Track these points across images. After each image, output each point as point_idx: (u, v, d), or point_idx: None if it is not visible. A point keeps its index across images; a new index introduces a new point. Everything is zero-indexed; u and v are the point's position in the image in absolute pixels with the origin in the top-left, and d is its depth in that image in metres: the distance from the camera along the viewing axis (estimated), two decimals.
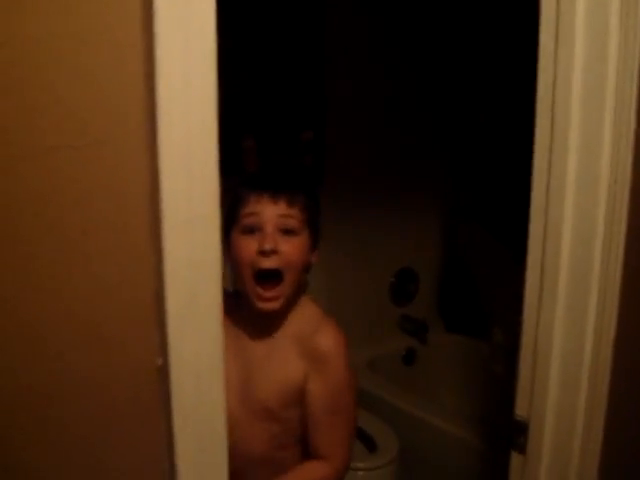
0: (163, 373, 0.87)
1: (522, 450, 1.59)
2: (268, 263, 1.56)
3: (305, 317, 1.70)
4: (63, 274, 0.81)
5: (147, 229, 0.84)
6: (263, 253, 1.55)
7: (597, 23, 1.33)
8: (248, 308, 1.63)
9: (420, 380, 3.35)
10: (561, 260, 1.45)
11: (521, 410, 1.59)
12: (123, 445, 0.89)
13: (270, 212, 1.57)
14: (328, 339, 1.65)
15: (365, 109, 3.30)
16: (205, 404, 0.90)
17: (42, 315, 0.81)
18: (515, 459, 1.62)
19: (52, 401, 0.84)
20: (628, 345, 1.48)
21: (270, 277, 1.58)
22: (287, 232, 1.59)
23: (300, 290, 1.70)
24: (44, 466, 0.86)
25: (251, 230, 1.59)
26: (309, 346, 1.64)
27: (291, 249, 1.58)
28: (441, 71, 3.31)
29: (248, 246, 1.58)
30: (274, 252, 1.55)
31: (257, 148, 3.16)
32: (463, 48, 3.25)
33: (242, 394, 1.69)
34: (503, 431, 1.79)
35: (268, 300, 1.59)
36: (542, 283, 1.50)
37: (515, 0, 2.77)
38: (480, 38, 3.16)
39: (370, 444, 2.60)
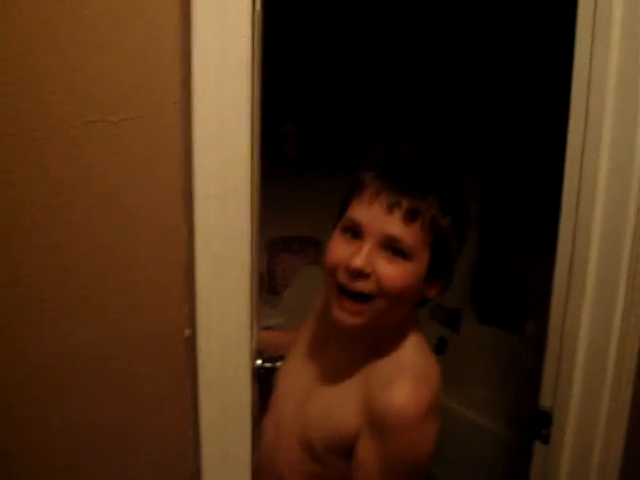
0: (191, 343, 0.90)
1: (545, 440, 1.60)
2: (352, 286, 1.24)
3: (395, 361, 1.31)
4: (98, 242, 0.84)
5: (180, 202, 0.87)
6: (349, 270, 1.23)
7: (633, 20, 1.33)
8: (333, 323, 1.31)
9: (451, 370, 3.35)
10: (590, 254, 1.45)
11: (545, 401, 1.60)
12: (150, 411, 0.92)
13: (378, 223, 1.23)
14: (392, 401, 1.22)
15: (405, 99, 3.31)
16: (230, 376, 0.93)
17: (76, 281, 0.85)
18: (538, 449, 1.63)
19: (78, 372, 0.87)
20: None
21: (355, 297, 1.26)
22: (395, 252, 1.24)
23: (403, 329, 1.34)
24: (71, 433, 0.89)
25: (353, 232, 1.27)
26: (371, 401, 1.26)
27: (391, 273, 1.23)
28: (478, 71, 3.31)
29: (340, 250, 1.27)
30: (362, 275, 1.22)
31: (296, 134, 3.19)
32: (498, 44, 3.24)
33: (296, 413, 1.43)
34: (530, 422, 1.79)
35: (347, 311, 1.26)
36: (570, 277, 1.50)
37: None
38: (511, 42, 3.14)
39: None
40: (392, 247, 1.24)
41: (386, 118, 3.35)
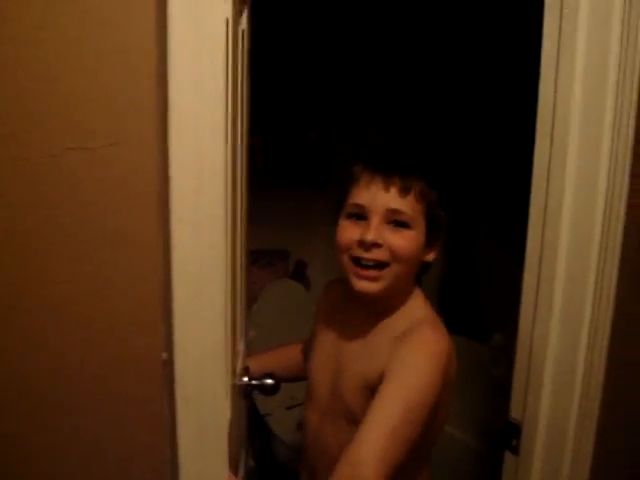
0: (168, 367, 0.91)
1: (515, 451, 1.62)
2: (368, 255, 1.43)
3: (406, 317, 1.51)
4: (73, 270, 0.85)
5: (156, 228, 0.87)
6: (363, 244, 1.42)
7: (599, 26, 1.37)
8: (352, 297, 1.52)
9: None
10: (557, 268, 1.48)
11: (515, 413, 1.62)
12: (127, 433, 0.93)
13: (379, 201, 1.43)
14: (415, 344, 1.42)
15: (372, 110, 3.33)
16: (207, 396, 0.94)
17: (49, 309, 0.85)
18: (509, 460, 1.66)
19: (59, 392, 0.88)
20: (621, 352, 1.51)
21: (372, 266, 1.44)
22: (398, 224, 1.44)
23: (409, 289, 1.55)
24: (52, 454, 0.89)
25: (358, 216, 1.46)
26: (400, 346, 1.42)
27: (400, 241, 1.43)
28: (445, 74, 3.34)
29: (350, 232, 1.46)
30: (376, 245, 1.42)
31: (263, 146, 3.20)
32: (467, 53, 3.28)
33: (332, 389, 1.59)
34: (499, 433, 1.82)
35: (366, 280, 1.44)
36: (538, 289, 1.53)
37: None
38: (481, 43, 3.18)
39: None
40: (395, 220, 1.43)
41: (353, 131, 3.37)
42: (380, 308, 1.53)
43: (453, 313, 3.56)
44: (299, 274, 3.55)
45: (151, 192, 0.86)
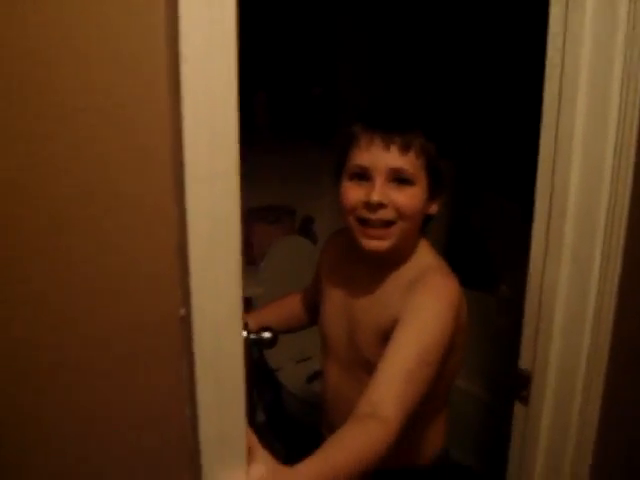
0: (186, 323, 0.92)
1: (525, 401, 1.65)
2: (375, 216, 1.46)
3: (414, 266, 1.56)
4: (91, 229, 0.85)
5: (171, 185, 0.87)
6: (368, 206, 1.45)
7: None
8: (360, 252, 1.53)
9: None
10: (567, 216, 1.49)
11: (525, 363, 1.64)
12: (148, 390, 0.94)
13: (381, 161, 1.44)
14: (430, 286, 1.47)
15: (377, 66, 3.31)
16: (225, 351, 0.95)
17: (64, 270, 0.86)
18: (518, 410, 1.68)
19: (76, 352, 0.89)
20: (631, 300, 1.52)
21: (379, 224, 1.47)
22: (400, 181, 1.46)
23: (416, 241, 1.59)
24: (70, 419, 0.91)
25: (360, 176, 1.48)
26: (411, 292, 1.47)
27: (403, 199, 1.45)
28: (452, 27, 3.31)
29: (354, 193, 1.48)
30: (381, 205, 1.44)
31: (267, 103, 3.18)
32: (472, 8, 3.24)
33: (348, 341, 1.64)
34: (507, 383, 1.84)
35: (374, 238, 1.47)
36: (548, 239, 1.54)
37: None
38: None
39: None
40: (397, 178, 1.45)
41: (357, 85, 3.35)
42: (388, 261, 1.57)
43: (460, 264, 3.58)
44: (306, 230, 3.56)
45: (164, 149, 0.86)
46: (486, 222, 3.44)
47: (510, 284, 3.16)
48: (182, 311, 0.92)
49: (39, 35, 0.77)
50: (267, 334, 1.67)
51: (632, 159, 1.42)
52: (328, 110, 3.36)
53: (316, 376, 3.10)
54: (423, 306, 1.44)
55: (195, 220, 0.88)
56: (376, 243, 1.48)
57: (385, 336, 1.44)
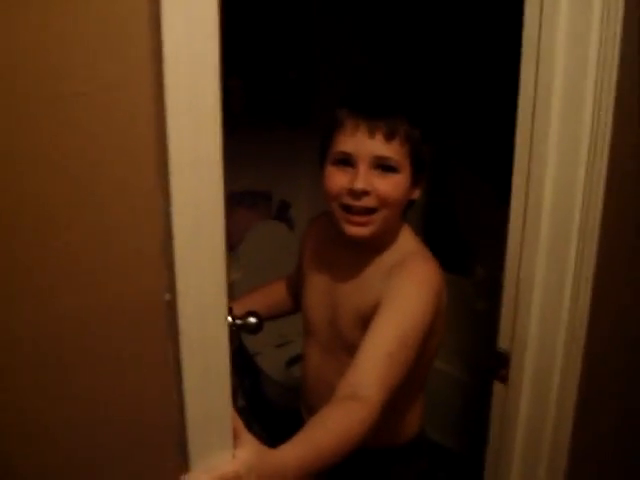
0: (171, 308, 0.92)
1: (504, 380, 1.67)
2: (358, 203, 1.45)
3: (396, 251, 1.56)
4: (75, 215, 0.85)
5: (155, 171, 0.87)
6: (352, 192, 1.44)
7: None
8: (342, 237, 1.52)
9: None
10: (544, 197, 1.51)
11: (503, 342, 1.66)
12: (134, 375, 0.94)
13: (365, 149, 1.44)
14: (406, 273, 1.48)
15: (353, 48, 3.30)
16: (210, 336, 0.95)
17: (51, 256, 0.85)
18: (498, 389, 1.70)
19: (65, 334, 0.89)
20: (607, 280, 1.55)
21: (362, 211, 1.47)
22: (384, 169, 1.45)
23: (398, 226, 1.59)
24: (54, 402, 0.91)
25: (344, 162, 1.47)
26: (392, 276, 1.48)
27: (387, 188, 1.45)
28: (428, 10, 3.31)
29: (338, 180, 1.47)
30: (365, 193, 1.44)
31: (243, 87, 3.17)
32: None
33: (330, 325, 1.65)
34: (485, 364, 1.86)
35: (356, 224, 1.47)
36: (525, 220, 1.56)
37: None
38: None
39: None
40: (381, 165, 1.45)
41: (333, 68, 3.34)
42: (371, 246, 1.57)
43: (436, 247, 3.60)
44: (282, 214, 3.56)
45: (148, 136, 0.86)
46: (461, 204, 3.46)
47: (486, 266, 3.19)
48: (167, 296, 0.92)
49: (20, 20, 0.77)
50: (253, 319, 1.67)
51: (607, 144, 1.44)
52: (304, 94, 3.36)
53: (295, 360, 3.11)
54: (403, 290, 1.45)
55: (180, 206, 0.88)
56: (359, 229, 1.48)
57: (366, 320, 1.45)
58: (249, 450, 1.05)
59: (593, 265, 1.51)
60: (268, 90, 3.26)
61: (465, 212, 3.44)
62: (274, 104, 3.30)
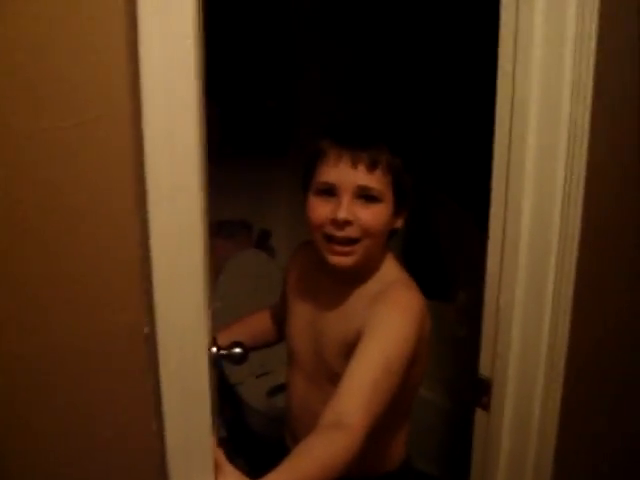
0: (150, 340, 0.91)
1: (486, 407, 1.67)
2: (341, 234, 1.46)
3: (379, 280, 1.57)
4: (50, 250, 0.85)
5: (133, 200, 0.88)
6: (335, 222, 1.45)
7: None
8: (325, 266, 1.53)
9: None
10: (522, 225, 1.51)
11: (484, 370, 1.66)
12: (114, 407, 0.94)
13: (348, 179, 1.45)
14: (389, 302, 1.48)
15: (333, 78, 3.32)
16: (190, 367, 0.95)
17: (30, 292, 0.85)
18: (480, 416, 1.70)
19: (44, 367, 0.88)
20: (586, 306, 1.55)
21: (345, 242, 1.48)
22: (367, 199, 1.46)
23: (381, 255, 1.60)
24: (39, 429, 0.90)
25: (327, 192, 1.48)
26: (374, 304, 1.48)
27: (370, 217, 1.47)
28: (404, 41, 3.34)
29: (321, 210, 1.48)
30: (348, 223, 1.45)
31: (220, 114, 3.17)
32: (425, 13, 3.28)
33: (314, 353, 1.64)
34: (467, 390, 1.86)
35: (339, 254, 1.48)
36: (504, 248, 1.56)
37: None
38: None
39: None
40: (364, 195, 1.46)
41: (312, 97, 3.36)
42: (354, 275, 1.57)
43: (417, 274, 3.60)
44: (263, 243, 3.55)
45: (126, 169, 0.87)
46: (442, 231, 3.48)
47: (468, 292, 3.19)
48: (146, 329, 0.92)
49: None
50: (238, 350, 1.66)
51: (584, 165, 1.45)
52: (283, 122, 3.37)
53: (276, 390, 3.09)
54: (386, 318, 1.45)
55: (158, 236, 0.88)
56: (341, 259, 1.48)
57: (350, 349, 1.44)
58: None
59: (571, 292, 1.51)
60: (246, 119, 3.27)
61: (446, 238, 3.45)
62: (252, 133, 3.31)
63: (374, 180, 1.46)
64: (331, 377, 1.55)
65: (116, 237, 0.88)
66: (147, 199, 0.86)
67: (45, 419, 0.90)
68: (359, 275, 1.57)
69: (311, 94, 3.36)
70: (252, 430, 3.16)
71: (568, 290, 1.51)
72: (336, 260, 1.49)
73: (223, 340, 1.70)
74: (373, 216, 1.47)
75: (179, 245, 0.90)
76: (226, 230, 3.34)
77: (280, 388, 3.07)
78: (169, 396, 0.94)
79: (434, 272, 3.47)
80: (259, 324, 1.99)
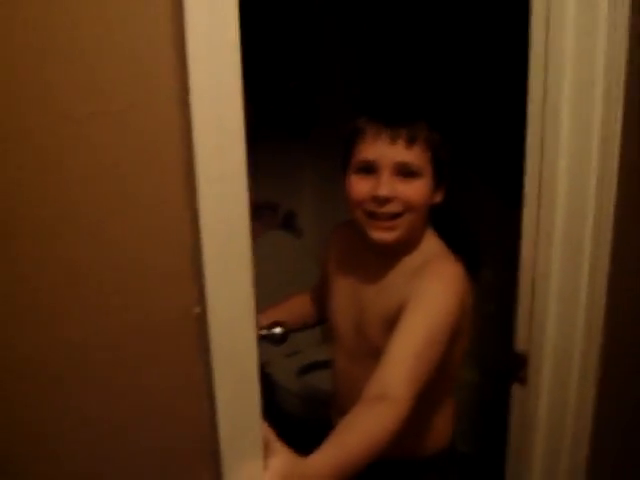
0: (201, 321, 0.93)
1: (523, 382, 1.68)
2: (383, 209, 1.47)
3: (420, 254, 1.57)
4: (103, 232, 0.86)
5: (183, 187, 0.89)
6: (376, 199, 1.46)
7: None
8: (367, 241, 1.55)
9: None
10: (557, 198, 1.52)
11: (521, 344, 1.67)
12: (165, 389, 0.95)
13: (387, 156, 1.46)
14: (435, 271, 1.50)
15: (357, 56, 3.30)
16: (239, 349, 0.97)
17: (86, 272, 0.86)
18: (516, 391, 1.71)
19: (95, 351, 0.90)
20: (622, 278, 1.55)
21: (387, 217, 1.49)
22: (407, 174, 1.47)
23: (422, 230, 1.60)
24: (89, 419, 0.92)
25: (366, 170, 1.49)
26: (417, 278, 1.49)
27: (410, 192, 1.47)
28: (431, 17, 3.31)
29: (361, 187, 1.49)
30: (389, 199, 1.46)
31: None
32: None
33: (356, 330, 1.66)
34: (498, 367, 1.86)
35: (382, 229, 1.49)
36: (538, 223, 1.56)
37: None
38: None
39: None
40: (404, 171, 1.47)
41: (334, 77, 3.35)
42: (396, 250, 1.58)
43: None
44: (289, 224, 3.56)
45: (175, 153, 0.87)
46: (466, 208, 3.47)
47: (493, 269, 3.18)
48: (197, 309, 0.93)
49: (44, 37, 0.78)
50: (278, 330, 1.68)
51: (618, 144, 1.45)
52: (305, 103, 3.37)
53: (307, 369, 3.11)
54: (428, 291, 1.45)
55: (208, 221, 0.89)
56: (384, 234, 1.49)
57: (392, 323, 1.46)
58: (281, 459, 1.06)
59: (608, 262, 1.52)
60: (269, 100, 3.27)
61: (471, 215, 3.44)
62: (275, 114, 3.31)
63: (413, 155, 1.46)
64: (373, 353, 1.55)
65: (168, 220, 0.89)
66: (197, 184, 0.87)
67: (97, 406, 0.92)
68: (401, 250, 1.58)
69: (332, 73, 3.35)
70: (284, 410, 3.18)
71: (604, 263, 1.52)
72: (379, 235, 1.50)
73: (263, 319, 1.72)
74: (414, 191, 1.48)
75: (228, 228, 0.92)
76: (252, 212, 3.35)
77: (311, 367, 3.09)
78: (220, 378, 0.95)
79: (460, 249, 3.46)
80: (299, 306, 2.00)
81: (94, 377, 0.90)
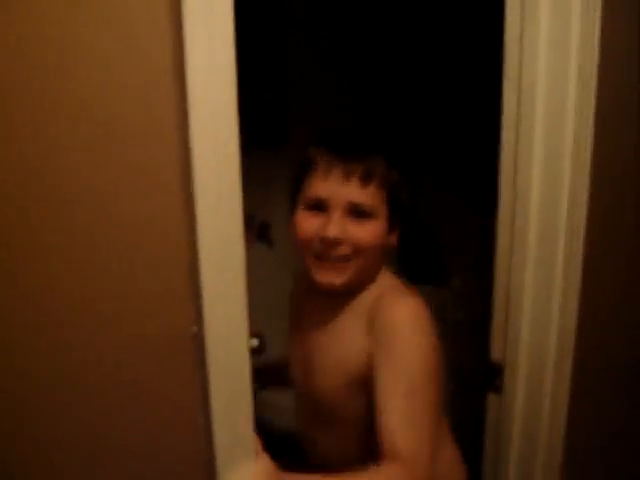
0: (198, 339, 0.96)
1: (498, 390, 1.71)
2: (330, 252, 1.35)
3: (377, 293, 1.41)
4: (107, 255, 0.89)
5: (181, 210, 0.92)
6: (325, 241, 1.34)
7: None
8: (315, 287, 1.41)
9: None
10: (531, 208, 1.55)
11: (496, 353, 1.71)
12: (163, 405, 0.98)
13: (340, 194, 1.33)
14: (394, 310, 1.34)
15: (328, 66, 3.33)
16: (236, 365, 1.00)
17: (83, 290, 0.89)
18: (492, 399, 1.75)
19: (94, 369, 0.92)
20: (594, 287, 1.59)
21: (335, 259, 1.37)
22: (359, 214, 1.35)
23: (377, 269, 1.47)
24: (88, 432, 0.94)
25: (317, 207, 1.37)
26: (375, 321, 1.35)
27: (362, 235, 1.35)
28: (401, 21, 3.34)
29: (309, 225, 1.37)
30: (338, 242, 1.34)
31: None
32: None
33: (307, 390, 1.53)
34: (470, 373, 1.89)
35: (329, 273, 1.36)
36: (513, 231, 1.60)
37: None
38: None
39: None
40: (356, 211, 1.34)
41: (308, 89, 3.37)
42: (345, 293, 1.45)
43: (414, 265, 3.62)
44: (263, 235, 3.58)
45: (174, 174, 0.90)
46: (434, 216, 3.50)
47: (462, 277, 3.22)
48: (194, 328, 0.96)
49: (46, 45, 0.81)
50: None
51: (589, 152, 1.48)
52: (279, 114, 3.39)
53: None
54: (397, 337, 1.32)
55: (206, 242, 0.92)
56: (332, 278, 1.37)
57: (352, 378, 1.37)
58: (263, 470, 1.08)
59: (580, 272, 1.55)
60: (244, 112, 3.28)
61: (438, 223, 3.47)
62: (249, 125, 3.32)
63: (367, 195, 1.35)
64: (327, 415, 1.47)
65: (166, 241, 0.92)
66: (196, 205, 0.90)
67: (98, 418, 0.94)
68: (351, 292, 1.44)
69: (306, 86, 3.37)
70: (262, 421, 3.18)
71: (576, 272, 1.55)
72: (326, 279, 1.37)
73: None
74: (365, 233, 1.36)
75: (223, 249, 0.95)
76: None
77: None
78: (217, 392, 0.98)
79: (428, 257, 3.49)
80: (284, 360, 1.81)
81: (94, 391, 0.93)
